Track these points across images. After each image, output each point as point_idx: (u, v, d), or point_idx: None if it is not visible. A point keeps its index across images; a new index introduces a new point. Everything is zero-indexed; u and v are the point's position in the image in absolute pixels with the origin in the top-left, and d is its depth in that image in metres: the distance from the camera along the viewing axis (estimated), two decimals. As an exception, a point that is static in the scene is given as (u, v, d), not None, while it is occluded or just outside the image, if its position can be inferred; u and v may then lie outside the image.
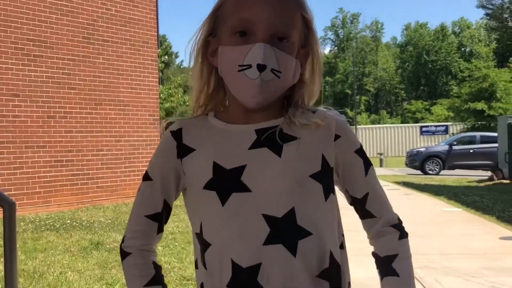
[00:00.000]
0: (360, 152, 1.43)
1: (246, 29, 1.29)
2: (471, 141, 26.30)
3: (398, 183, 19.26)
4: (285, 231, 1.29)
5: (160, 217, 1.46)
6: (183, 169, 1.40)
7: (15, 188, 11.21)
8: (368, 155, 1.44)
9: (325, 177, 1.36)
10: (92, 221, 10.25)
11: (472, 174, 23.33)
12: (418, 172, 25.69)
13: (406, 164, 27.14)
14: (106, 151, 13.15)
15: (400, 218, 1.48)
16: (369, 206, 1.43)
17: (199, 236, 1.40)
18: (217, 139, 1.38)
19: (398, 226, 1.45)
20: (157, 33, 14.90)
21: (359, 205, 1.44)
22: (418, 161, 25.84)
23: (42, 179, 11.78)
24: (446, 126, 45.94)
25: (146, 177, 1.46)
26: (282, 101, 1.41)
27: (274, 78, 1.27)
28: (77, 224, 9.86)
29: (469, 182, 19.93)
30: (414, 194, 15.55)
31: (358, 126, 49.36)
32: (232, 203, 1.31)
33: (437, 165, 25.55)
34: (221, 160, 1.34)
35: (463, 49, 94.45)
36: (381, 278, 1.46)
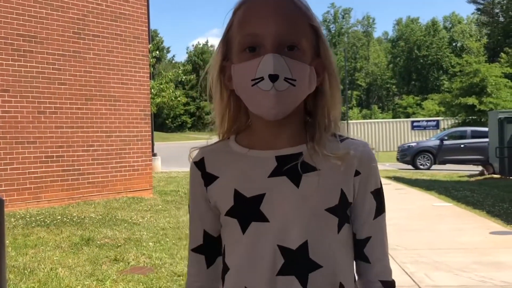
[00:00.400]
0: (377, 194, 1.42)
1: (254, 44, 1.29)
2: (462, 136, 26.42)
3: (389, 177, 19.31)
4: (298, 263, 1.31)
5: (204, 249, 1.47)
6: (209, 196, 1.42)
7: (5, 184, 11.16)
8: None
9: (341, 211, 1.36)
10: (83, 217, 10.22)
11: (463, 169, 23.43)
12: (409, 167, 25.79)
13: (397, 159, 27.23)
14: (97, 147, 13.11)
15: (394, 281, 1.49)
16: (367, 251, 1.42)
17: (222, 257, 1.43)
18: (238, 165, 1.38)
19: (388, 285, 1.45)
20: (148, 28, 14.86)
21: (358, 246, 1.43)
22: (409, 156, 25.94)
23: (32, 175, 11.74)
24: (437, 121, 46.08)
25: (188, 210, 1.50)
26: (304, 116, 1.40)
27: (289, 87, 1.26)
28: (67, 220, 9.83)
29: (460, 177, 20.02)
30: (405, 189, 15.60)
31: (349, 121, 49.45)
32: (251, 232, 1.33)
33: (428, 160, 25.66)
34: (242, 188, 1.35)
35: (454, 44, 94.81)
36: None
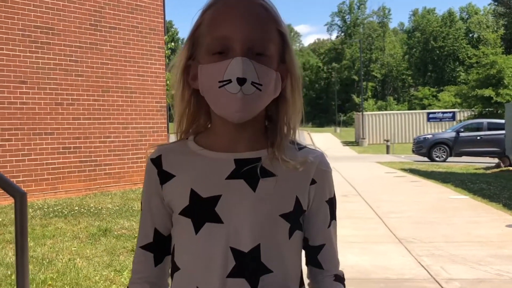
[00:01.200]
0: (330, 202, 1.45)
1: (223, 47, 1.29)
2: (478, 128, 26.25)
3: (404, 170, 19.25)
4: (249, 266, 1.32)
5: (153, 247, 1.45)
6: (163, 194, 1.41)
7: (23, 175, 11.28)
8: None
9: (294, 218, 1.37)
10: (100, 207, 10.31)
11: (479, 161, 23.30)
12: (425, 159, 25.67)
13: (413, 151, 27.11)
14: (114, 138, 13.20)
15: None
16: (321, 257, 1.45)
17: (171, 256, 1.43)
18: (196, 166, 1.38)
19: (340, 279, 1.47)
20: (164, 20, 14.88)
21: (312, 252, 1.46)
22: (425, 148, 25.82)
23: (50, 166, 11.85)
24: (453, 112, 45.76)
25: (141, 208, 1.49)
26: (264, 121, 1.41)
27: (255, 91, 1.27)
28: (85, 211, 9.92)
29: (476, 169, 19.91)
30: (421, 181, 15.55)
31: (364, 113, 49.27)
32: (205, 232, 1.33)
33: (444, 152, 25.53)
34: (198, 188, 1.35)
35: (470, 35, 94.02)
36: None
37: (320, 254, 1.44)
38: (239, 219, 1.32)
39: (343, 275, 1.49)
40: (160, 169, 1.41)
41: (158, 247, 1.45)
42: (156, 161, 1.43)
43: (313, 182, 1.39)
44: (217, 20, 1.32)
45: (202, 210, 1.34)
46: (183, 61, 1.39)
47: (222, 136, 1.38)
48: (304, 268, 1.46)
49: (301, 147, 1.43)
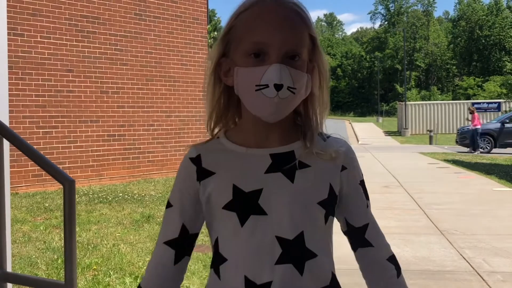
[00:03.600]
0: (363, 184, 1.53)
1: (260, 51, 1.35)
2: (524, 119, 25.72)
3: (448, 161, 19.01)
4: (295, 252, 1.40)
5: (177, 244, 1.49)
6: (201, 190, 1.46)
7: (69, 161, 11.53)
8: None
9: (330, 204, 1.45)
10: (143, 194, 10.48)
11: (525, 153, 22.86)
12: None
13: (457, 142, 26.71)
14: (157, 126, 13.37)
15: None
16: (368, 236, 1.52)
17: (215, 248, 1.48)
18: (234, 163, 1.45)
19: (394, 259, 1.54)
20: (207, 9, 14.97)
21: (358, 234, 1.52)
22: (469, 139, 25.41)
23: (95, 153, 12.08)
24: (499, 103, 44.88)
25: (167, 205, 1.53)
26: (293, 117, 1.48)
27: (290, 95, 1.34)
28: (128, 197, 10.10)
29: (521, 161, 19.54)
30: (464, 172, 15.35)
31: (407, 103, 48.68)
32: (250, 224, 1.40)
33: (488, 143, 25.10)
34: (240, 183, 1.42)
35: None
36: None
37: (367, 233, 1.51)
38: (281, 209, 1.39)
39: (395, 256, 1.55)
40: (199, 167, 1.48)
41: (181, 243, 1.50)
42: (195, 160, 1.49)
43: (343, 168, 1.47)
44: (254, 24, 1.37)
45: (246, 204, 1.41)
46: (216, 57, 1.45)
47: (254, 133, 1.46)
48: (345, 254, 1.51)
49: (326, 136, 1.51)
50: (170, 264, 1.49)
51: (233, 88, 1.42)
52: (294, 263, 1.39)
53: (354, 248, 1.54)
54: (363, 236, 1.51)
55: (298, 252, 1.39)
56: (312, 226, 1.41)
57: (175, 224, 1.49)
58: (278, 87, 1.32)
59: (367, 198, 1.53)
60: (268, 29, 1.35)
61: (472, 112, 25.14)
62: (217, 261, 1.47)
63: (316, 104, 1.47)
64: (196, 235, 1.53)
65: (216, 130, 1.53)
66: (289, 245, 1.39)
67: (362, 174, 1.54)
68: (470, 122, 24.92)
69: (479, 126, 24.53)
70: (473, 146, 24.31)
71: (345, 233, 1.54)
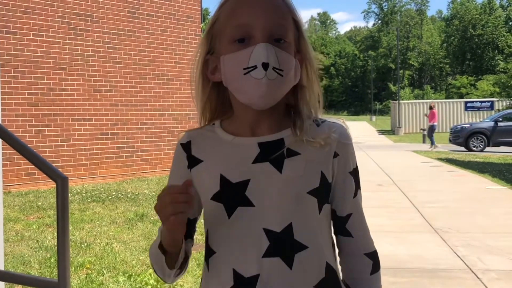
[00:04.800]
0: (354, 173, 1.48)
1: (245, 35, 1.33)
2: (517, 117, 25.79)
3: (441, 159, 19.05)
4: (283, 245, 1.36)
5: None
6: (193, 177, 1.45)
7: (62, 160, 11.48)
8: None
9: (322, 193, 1.41)
10: (136, 193, 10.45)
11: (518, 152, 22.91)
12: (462, 148, 25.35)
13: (450, 140, 26.75)
14: (150, 125, 13.34)
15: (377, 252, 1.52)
16: (349, 226, 1.48)
17: (206, 241, 1.47)
18: (224, 152, 1.43)
19: (373, 255, 1.50)
20: (201, 7, 14.94)
21: (340, 223, 1.49)
22: (462, 137, 25.45)
23: (88, 152, 12.04)
24: (492, 102, 45.00)
25: None
26: (285, 107, 1.45)
27: (277, 77, 1.31)
28: (122, 196, 10.07)
29: (514, 159, 19.59)
30: (458, 171, 15.38)
31: (401, 101, 48.76)
32: (237, 216, 1.37)
33: (481, 141, 25.16)
34: (228, 173, 1.39)
35: (510, 23, 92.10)
36: None
37: (348, 223, 1.48)
38: (269, 200, 1.36)
39: (377, 253, 1.51)
40: (189, 154, 1.47)
41: None
42: (185, 146, 1.49)
43: (335, 155, 1.42)
44: (236, 9, 1.36)
45: (233, 195, 1.38)
46: (202, 55, 1.44)
47: (245, 121, 1.43)
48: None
49: (320, 122, 1.46)
50: None
51: (221, 83, 1.40)
52: (282, 256, 1.35)
53: (335, 233, 1.51)
54: (344, 226, 1.48)
55: (286, 245, 1.36)
56: (302, 217, 1.37)
57: None
58: (266, 66, 1.29)
59: (358, 187, 1.49)
60: (251, 11, 1.34)
61: (431, 108, 25.81)
62: (207, 253, 1.45)
63: (306, 94, 1.43)
64: (195, 220, 1.52)
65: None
66: (277, 238, 1.35)
67: (356, 163, 1.49)
68: (427, 118, 25.88)
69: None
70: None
71: (331, 218, 1.50)
